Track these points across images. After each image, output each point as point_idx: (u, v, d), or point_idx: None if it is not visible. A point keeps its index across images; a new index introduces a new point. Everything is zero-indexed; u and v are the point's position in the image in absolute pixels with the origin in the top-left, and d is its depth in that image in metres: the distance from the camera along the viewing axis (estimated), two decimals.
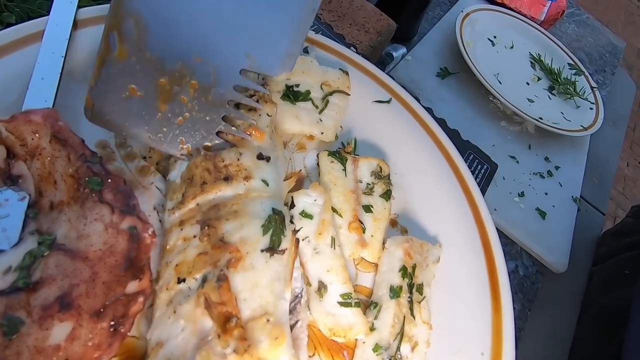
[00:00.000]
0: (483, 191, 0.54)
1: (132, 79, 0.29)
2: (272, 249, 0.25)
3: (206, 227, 0.25)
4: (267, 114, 0.33)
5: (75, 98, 0.31)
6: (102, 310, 0.19)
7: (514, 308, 0.67)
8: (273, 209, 0.27)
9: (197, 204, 0.27)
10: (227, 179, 0.28)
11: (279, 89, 0.37)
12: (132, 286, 0.21)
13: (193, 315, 0.22)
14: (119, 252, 0.21)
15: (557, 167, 0.84)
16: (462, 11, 0.93)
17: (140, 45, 0.28)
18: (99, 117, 0.29)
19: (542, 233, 0.72)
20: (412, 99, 0.41)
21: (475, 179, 0.57)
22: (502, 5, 1.09)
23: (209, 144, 0.30)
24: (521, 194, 0.76)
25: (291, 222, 0.29)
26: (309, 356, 0.27)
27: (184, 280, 0.23)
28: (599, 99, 0.95)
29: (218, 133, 0.30)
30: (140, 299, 0.21)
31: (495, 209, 0.71)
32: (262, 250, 0.25)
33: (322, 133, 0.37)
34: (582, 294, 0.77)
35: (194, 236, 0.25)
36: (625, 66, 3.40)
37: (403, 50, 0.86)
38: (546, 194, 0.79)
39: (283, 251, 0.26)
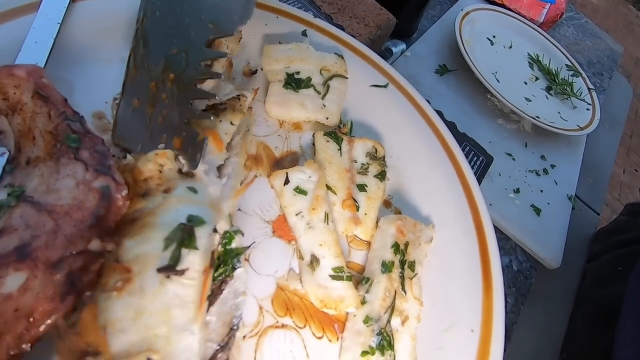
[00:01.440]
0: (478, 182, 0.54)
1: (137, 92, 0.31)
2: (169, 267, 0.21)
3: (110, 244, 0.22)
4: (231, 122, 0.31)
5: (67, 70, 0.31)
6: (59, 262, 0.18)
7: (507, 302, 0.68)
8: (189, 215, 0.23)
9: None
10: (145, 194, 0.24)
11: (279, 78, 0.37)
12: (95, 244, 0.20)
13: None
14: (87, 208, 0.20)
15: (552, 166, 0.84)
16: (461, 10, 0.94)
17: (143, 59, 0.31)
18: (118, 137, 0.31)
19: (536, 229, 0.73)
20: (409, 85, 0.41)
21: (472, 168, 0.58)
22: (502, 5, 1.10)
23: (179, 137, 0.29)
24: (517, 191, 0.77)
25: (226, 235, 0.25)
26: (300, 327, 0.27)
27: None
28: (595, 100, 0.96)
29: (185, 123, 0.29)
30: (100, 261, 0.20)
31: (491, 204, 0.72)
32: (158, 270, 0.21)
33: (327, 118, 0.37)
34: (575, 290, 0.77)
35: None
36: (623, 74, 3.43)
37: (402, 46, 0.86)
38: (541, 191, 0.79)
39: (182, 271, 0.21)
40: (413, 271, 0.30)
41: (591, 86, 0.99)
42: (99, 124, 0.29)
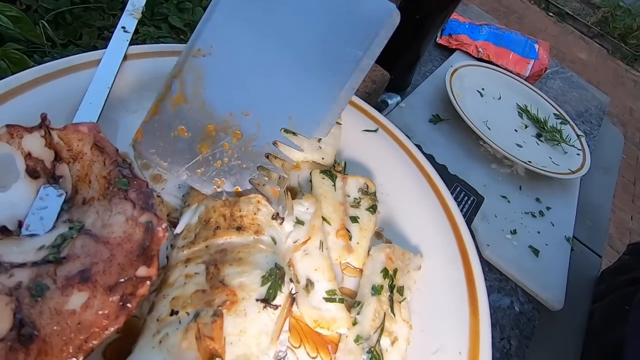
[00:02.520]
0: (469, 221, 0.57)
1: (184, 120, 0.33)
2: (267, 301, 0.25)
3: (210, 267, 0.26)
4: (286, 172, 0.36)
5: (110, 122, 0.37)
6: (114, 286, 0.23)
7: (510, 344, 0.67)
8: (276, 263, 0.28)
9: (207, 246, 0.28)
10: (240, 228, 0.29)
11: None
12: (142, 271, 0.24)
13: (177, 347, 0.22)
14: (135, 240, 0.25)
15: (548, 208, 0.87)
16: (451, 66, 1.03)
17: (197, 95, 0.34)
18: (144, 150, 0.33)
19: (536, 270, 0.74)
20: (397, 129, 0.47)
21: (462, 210, 0.61)
22: (489, 62, 1.20)
23: (240, 189, 0.32)
24: (513, 232, 0.79)
25: (291, 281, 0.29)
26: (295, 347, 0.29)
27: (176, 312, 0.24)
28: (584, 146, 1.01)
29: (250, 180, 0.33)
30: (147, 283, 0.24)
31: (488, 245, 0.74)
32: (257, 300, 0.25)
33: (322, 158, 0.42)
34: (582, 332, 0.76)
35: (196, 273, 0.26)
36: (619, 123, 3.53)
37: (397, 98, 0.94)
38: (538, 232, 0.81)
39: (277, 306, 0.26)
40: (402, 295, 0.32)
41: (580, 132, 1.04)
42: None
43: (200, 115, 0.33)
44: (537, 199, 0.87)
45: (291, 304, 0.28)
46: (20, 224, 0.26)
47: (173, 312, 0.24)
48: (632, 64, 4.34)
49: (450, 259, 0.36)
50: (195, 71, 0.34)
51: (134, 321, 0.26)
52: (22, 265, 0.22)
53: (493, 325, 0.68)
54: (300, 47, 0.34)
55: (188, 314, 0.23)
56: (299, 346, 0.30)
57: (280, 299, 0.26)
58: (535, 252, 0.76)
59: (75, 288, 0.21)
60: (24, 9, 0.70)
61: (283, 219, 0.31)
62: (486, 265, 0.73)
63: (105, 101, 0.36)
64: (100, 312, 0.21)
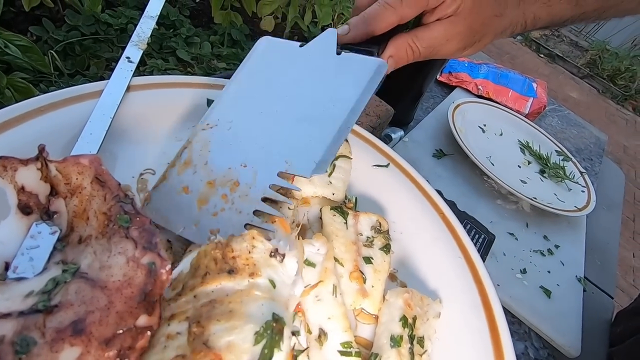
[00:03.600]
0: (482, 259, 0.55)
1: (187, 180, 0.35)
2: None
3: (193, 325, 0.23)
4: (288, 207, 0.35)
5: (110, 154, 0.36)
6: (112, 338, 0.20)
7: None
8: (274, 314, 0.24)
9: (194, 296, 0.25)
10: (232, 271, 0.25)
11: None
12: (143, 320, 0.21)
13: None
14: (136, 284, 0.22)
15: (557, 246, 0.85)
16: (453, 102, 1.04)
17: (202, 159, 0.36)
18: (152, 210, 0.34)
19: (549, 312, 0.70)
20: (408, 165, 0.45)
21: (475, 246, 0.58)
22: (489, 99, 1.22)
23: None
24: (523, 271, 0.76)
25: (293, 334, 0.26)
26: None
27: None
28: (589, 182, 1.00)
29: (246, 225, 0.32)
30: (148, 334, 0.21)
31: (498, 285, 0.71)
32: None
33: (333, 194, 0.40)
34: None
35: (178, 333, 0.23)
36: (614, 160, 3.58)
37: (401, 132, 0.94)
38: (549, 272, 0.78)
39: None
40: (422, 347, 0.30)
41: (582, 169, 1.04)
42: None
43: (202, 174, 0.35)
44: (545, 237, 0.85)
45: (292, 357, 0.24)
46: (7, 266, 0.24)
47: None
48: (622, 103, 4.47)
49: (470, 305, 0.34)
50: (202, 141, 0.37)
51: None
52: (6, 315, 0.19)
53: None
54: (295, 105, 0.37)
55: None
56: None
57: (280, 356, 0.22)
58: (547, 292, 0.73)
59: (66, 342, 0.19)
60: (34, 40, 0.70)
61: (284, 255, 0.27)
62: None
63: (107, 132, 0.34)
64: None
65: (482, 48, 0.46)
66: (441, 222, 0.40)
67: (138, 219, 0.25)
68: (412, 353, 0.28)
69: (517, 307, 0.70)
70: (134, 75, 0.40)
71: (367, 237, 0.37)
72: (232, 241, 0.27)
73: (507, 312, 0.70)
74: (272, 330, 0.23)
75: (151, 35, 0.90)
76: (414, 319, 0.31)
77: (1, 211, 0.25)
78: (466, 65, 1.29)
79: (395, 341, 0.28)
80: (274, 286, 0.26)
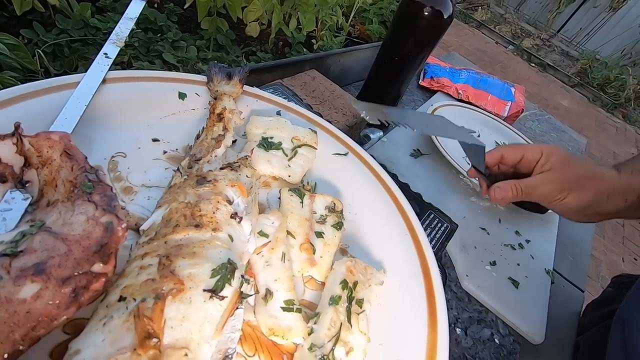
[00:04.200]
0: (442, 247, 0.58)
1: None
2: (214, 291, 0.26)
3: (163, 259, 0.27)
4: (247, 175, 0.39)
5: (87, 138, 0.39)
6: (68, 278, 0.23)
7: None
8: (229, 259, 0.29)
9: (165, 242, 0.29)
10: (198, 226, 0.30)
11: (255, 139, 0.45)
12: (98, 267, 0.24)
13: (118, 328, 0.23)
14: (93, 238, 0.25)
15: (527, 241, 0.88)
16: (431, 105, 1.08)
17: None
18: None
19: (516, 302, 0.73)
20: (366, 153, 0.49)
21: (435, 235, 0.62)
22: (469, 103, 1.26)
23: None
24: (493, 263, 0.79)
25: (243, 280, 0.30)
26: (250, 356, 0.29)
27: (124, 299, 0.25)
28: None
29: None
30: (102, 279, 0.24)
31: (467, 275, 0.74)
32: (204, 290, 0.26)
33: (289, 176, 0.43)
34: None
35: (150, 265, 0.27)
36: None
37: (380, 133, 0.98)
38: (518, 264, 0.81)
39: (223, 297, 0.26)
40: (361, 307, 0.33)
41: None
42: None
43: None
44: (517, 232, 0.88)
45: (239, 298, 0.28)
46: None
47: (121, 299, 0.24)
48: (612, 111, 4.55)
49: (412, 275, 0.37)
50: None
51: (84, 323, 0.26)
52: None
53: (473, 357, 0.66)
54: None
55: (135, 299, 0.24)
56: (254, 355, 0.29)
57: (228, 291, 0.26)
58: (515, 283, 0.76)
59: (28, 279, 0.22)
60: (25, 43, 0.74)
61: (242, 218, 0.32)
62: (466, 296, 0.73)
63: (81, 117, 0.38)
64: (50, 302, 0.22)
65: (586, 203, 0.51)
66: (393, 205, 0.44)
67: (100, 186, 0.28)
68: (349, 311, 0.32)
69: (485, 297, 0.73)
70: (111, 70, 0.44)
71: (321, 215, 0.40)
72: (201, 202, 0.31)
73: (475, 301, 0.73)
74: (226, 269, 0.27)
75: (139, 40, 0.95)
76: (355, 283, 0.34)
77: None
78: (447, 70, 1.34)
79: (334, 300, 0.32)
80: (232, 240, 0.31)
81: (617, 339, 0.61)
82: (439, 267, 0.65)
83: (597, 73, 4.73)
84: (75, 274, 0.23)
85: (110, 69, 0.44)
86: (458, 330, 0.68)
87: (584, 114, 4.34)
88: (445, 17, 0.80)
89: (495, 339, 0.70)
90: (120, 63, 0.81)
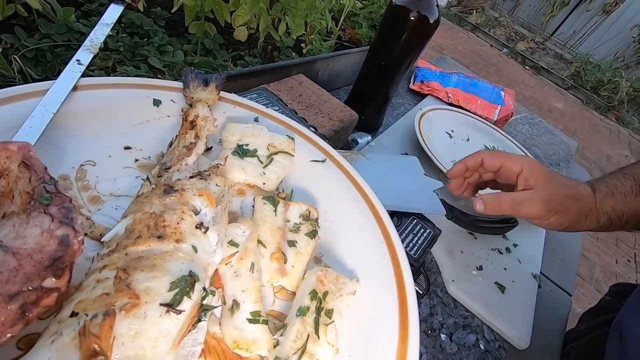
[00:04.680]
0: (425, 252, 0.58)
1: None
2: (171, 305, 0.25)
3: (120, 272, 0.26)
4: (217, 184, 0.38)
5: (56, 146, 0.39)
6: (15, 295, 0.22)
7: None
8: (190, 271, 0.28)
9: (126, 254, 0.28)
10: (160, 237, 0.29)
11: (231, 147, 0.45)
12: (49, 282, 0.24)
13: (66, 346, 0.22)
14: (46, 252, 0.25)
15: (515, 245, 0.88)
16: (420, 109, 1.08)
17: None
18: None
19: (502, 307, 0.73)
20: (344, 160, 0.48)
21: (418, 241, 0.61)
22: (459, 107, 1.26)
23: None
24: (479, 268, 0.79)
25: (205, 293, 0.29)
26: None
27: (76, 314, 0.24)
28: None
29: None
30: (54, 294, 0.24)
31: (454, 280, 0.74)
32: (160, 304, 0.25)
33: (264, 183, 0.43)
34: None
35: (107, 278, 0.26)
36: (597, 169, 3.65)
37: (368, 137, 0.97)
38: (505, 269, 0.81)
39: (180, 311, 0.25)
40: (330, 318, 0.32)
41: None
42: (63, 184, 0.35)
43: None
44: (504, 236, 0.88)
45: (199, 312, 0.27)
46: None
47: (73, 314, 0.23)
48: (606, 114, 4.58)
49: (385, 286, 0.37)
50: None
51: (35, 339, 0.25)
52: None
53: None
54: None
55: (87, 315, 0.23)
56: None
57: (187, 305, 0.25)
58: (502, 288, 0.76)
59: None
60: (7, 47, 0.73)
61: (207, 228, 0.31)
62: (452, 302, 0.72)
63: (49, 125, 0.37)
64: None
65: (567, 223, 0.53)
66: (369, 212, 0.43)
67: (58, 197, 0.27)
68: (317, 322, 0.31)
69: (470, 302, 0.72)
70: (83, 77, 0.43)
71: (295, 223, 0.40)
72: (165, 213, 0.30)
73: (461, 306, 0.72)
74: (186, 282, 0.26)
75: (124, 44, 0.94)
76: (325, 293, 0.33)
77: None
78: (438, 74, 1.34)
79: (302, 311, 0.31)
80: (196, 251, 0.30)
81: (615, 347, 0.61)
82: (422, 273, 0.65)
83: (591, 76, 4.76)
84: (24, 289, 0.22)
85: (89, 75, 0.43)
86: (443, 336, 0.68)
87: (578, 116, 4.36)
88: (431, 21, 0.80)
89: (481, 345, 0.69)
90: (104, 68, 0.80)
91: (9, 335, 0.21)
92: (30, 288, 0.23)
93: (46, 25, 0.81)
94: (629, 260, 2.82)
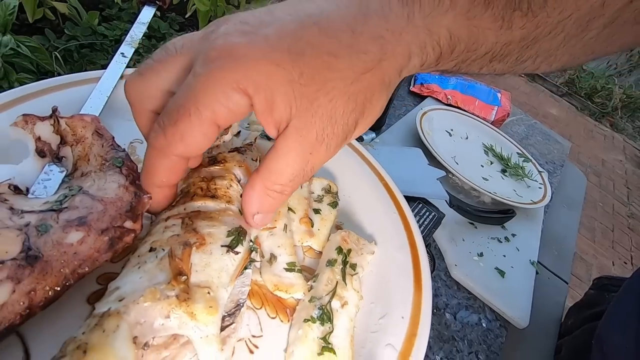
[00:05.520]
0: (430, 232, 0.63)
1: None
2: (230, 247, 0.30)
3: (186, 218, 0.31)
4: (252, 159, 0.44)
5: (108, 127, 0.44)
6: (105, 229, 0.27)
7: (478, 358, 0.69)
8: (240, 225, 0.33)
9: (184, 208, 0.33)
10: (214, 197, 0.34)
11: (259, 130, 0.50)
12: (129, 224, 0.29)
13: (152, 269, 0.27)
14: (124, 200, 0.30)
15: (513, 235, 0.93)
16: (421, 109, 1.14)
17: None
18: None
19: (502, 290, 0.78)
20: (358, 144, 0.54)
21: (423, 222, 0.66)
22: (457, 107, 1.32)
23: None
24: (480, 254, 0.84)
25: (251, 246, 0.34)
26: (257, 308, 0.33)
27: (154, 249, 0.29)
28: (546, 180, 1.09)
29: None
30: (132, 235, 0.29)
31: (456, 265, 0.78)
32: (222, 245, 0.30)
33: None
34: (550, 358, 0.78)
35: (174, 224, 0.31)
36: (593, 173, 3.72)
37: (372, 134, 1.03)
38: (504, 256, 0.86)
39: (237, 253, 0.31)
40: (354, 270, 0.37)
41: (541, 169, 1.14)
42: None
43: None
44: (503, 226, 0.93)
45: (249, 257, 0.32)
46: (27, 191, 0.31)
47: (151, 249, 0.28)
48: (600, 120, 4.67)
49: (400, 247, 0.42)
50: None
51: (114, 276, 0.30)
52: (30, 211, 0.27)
53: (461, 339, 0.71)
54: None
55: (164, 249, 0.28)
56: (260, 307, 0.34)
57: (241, 248, 0.30)
58: (501, 273, 0.81)
59: (73, 228, 0.26)
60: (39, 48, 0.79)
61: None
62: (454, 284, 0.77)
63: (104, 107, 0.43)
64: (92, 247, 0.26)
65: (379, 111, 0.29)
66: (382, 187, 0.48)
67: (129, 163, 0.33)
68: (344, 272, 0.36)
69: (472, 285, 0.77)
70: (127, 68, 0.49)
71: (318, 195, 0.45)
72: (216, 178, 0.35)
73: (463, 289, 0.77)
74: (239, 232, 0.32)
75: (143, 46, 1.00)
76: (349, 251, 0.38)
77: (23, 153, 0.34)
78: (437, 77, 1.41)
79: (330, 263, 0.36)
80: (241, 213, 0.35)
81: (597, 358, 0.64)
82: (427, 254, 0.70)
83: (585, 83, 4.87)
84: (111, 226, 0.27)
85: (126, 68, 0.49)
86: (447, 315, 0.73)
87: (573, 122, 4.45)
88: None
89: (483, 324, 0.74)
90: (131, 68, 0.86)
91: (103, 259, 0.26)
92: (115, 225, 0.28)
93: (72, 28, 0.87)
94: (625, 263, 2.86)
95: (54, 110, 0.34)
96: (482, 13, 0.26)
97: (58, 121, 0.34)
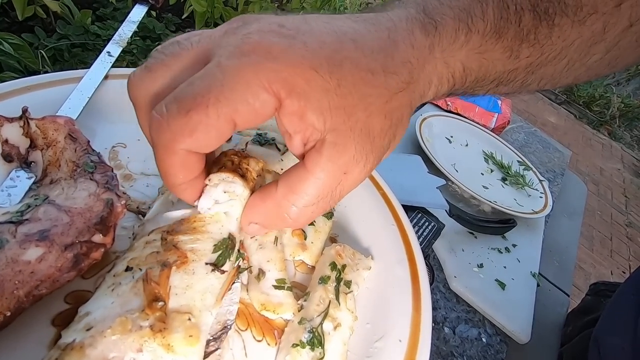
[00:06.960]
0: (430, 244, 0.60)
1: None
2: (216, 265, 0.27)
3: (166, 234, 0.28)
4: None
5: (89, 129, 0.41)
6: (70, 245, 0.25)
7: None
8: (230, 234, 0.30)
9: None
10: (243, 175, 0.30)
11: (250, 135, 0.47)
12: (98, 238, 0.26)
13: (126, 293, 0.24)
14: (94, 212, 0.27)
15: (514, 245, 0.90)
16: (421, 115, 1.12)
17: None
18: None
19: (502, 302, 0.75)
20: None
21: (423, 233, 0.64)
22: (457, 114, 1.30)
23: None
24: (480, 265, 0.81)
25: (239, 254, 0.31)
26: (242, 330, 0.30)
27: (131, 269, 0.26)
28: (546, 189, 1.07)
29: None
30: (101, 249, 0.26)
31: (456, 276, 0.76)
32: (206, 263, 0.27)
33: (282, 169, 0.45)
34: None
35: (154, 240, 0.28)
36: (591, 182, 3.71)
37: None
38: (505, 267, 0.83)
39: (223, 271, 0.28)
40: (348, 288, 0.34)
41: (541, 178, 1.11)
42: None
43: None
44: (503, 237, 0.91)
45: (237, 272, 0.29)
46: None
47: (128, 268, 0.25)
48: (598, 128, 4.67)
49: (398, 261, 0.39)
50: None
51: (85, 295, 0.27)
52: None
53: (460, 355, 0.67)
54: None
55: (141, 269, 0.25)
56: (246, 329, 0.31)
57: (228, 266, 0.28)
58: (502, 285, 0.78)
59: (32, 243, 0.23)
60: (28, 46, 0.76)
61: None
62: (454, 297, 0.74)
63: (84, 109, 0.40)
64: (53, 265, 0.23)
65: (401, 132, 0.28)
66: (380, 197, 0.46)
67: (101, 166, 0.30)
68: (337, 290, 0.33)
69: (472, 297, 0.74)
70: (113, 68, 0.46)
71: None
72: (250, 157, 0.33)
73: (463, 302, 0.74)
74: (227, 246, 0.29)
75: (138, 47, 0.97)
76: (343, 266, 0.35)
77: None
78: None
79: (323, 280, 0.33)
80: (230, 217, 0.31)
81: (595, 359, 0.63)
82: (426, 265, 0.67)
83: (583, 91, 4.88)
84: (77, 241, 0.25)
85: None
86: (446, 329, 0.70)
87: (571, 130, 4.45)
88: None
89: (483, 338, 0.71)
90: (118, 68, 0.84)
91: (65, 279, 0.23)
92: (82, 240, 0.25)
93: (64, 27, 0.84)
94: (623, 272, 2.84)
95: (24, 110, 0.31)
96: (492, 47, 0.27)
97: (28, 123, 0.31)
